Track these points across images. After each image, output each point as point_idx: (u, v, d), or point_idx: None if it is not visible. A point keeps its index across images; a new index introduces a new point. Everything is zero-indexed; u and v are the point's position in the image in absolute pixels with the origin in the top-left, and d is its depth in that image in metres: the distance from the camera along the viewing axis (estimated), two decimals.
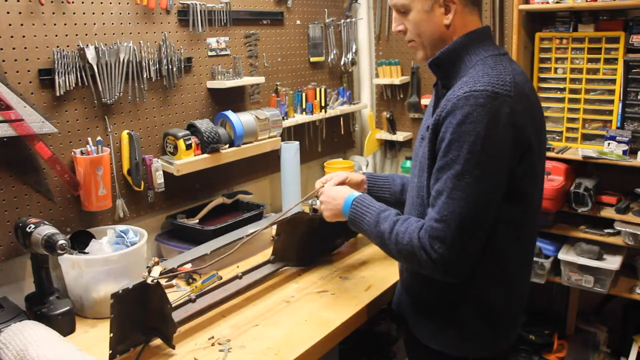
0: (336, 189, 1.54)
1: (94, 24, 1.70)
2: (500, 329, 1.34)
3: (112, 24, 1.75)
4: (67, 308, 1.49)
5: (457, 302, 1.31)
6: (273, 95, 2.37)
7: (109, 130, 1.77)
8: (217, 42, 2.09)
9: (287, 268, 1.85)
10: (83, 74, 1.67)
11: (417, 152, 1.39)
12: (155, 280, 1.34)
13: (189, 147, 1.89)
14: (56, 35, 1.61)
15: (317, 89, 2.51)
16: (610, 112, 2.22)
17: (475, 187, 1.14)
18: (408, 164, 2.71)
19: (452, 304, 1.32)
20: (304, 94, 2.47)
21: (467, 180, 1.14)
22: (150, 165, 1.87)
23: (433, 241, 1.18)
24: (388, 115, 2.81)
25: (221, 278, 1.71)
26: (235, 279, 1.67)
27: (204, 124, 1.96)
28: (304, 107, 2.47)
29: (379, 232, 1.31)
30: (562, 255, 2.21)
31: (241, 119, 2.06)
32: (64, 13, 1.63)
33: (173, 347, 1.38)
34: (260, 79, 2.22)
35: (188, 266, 1.81)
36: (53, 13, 1.60)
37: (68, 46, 1.64)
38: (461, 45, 1.27)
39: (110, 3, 1.74)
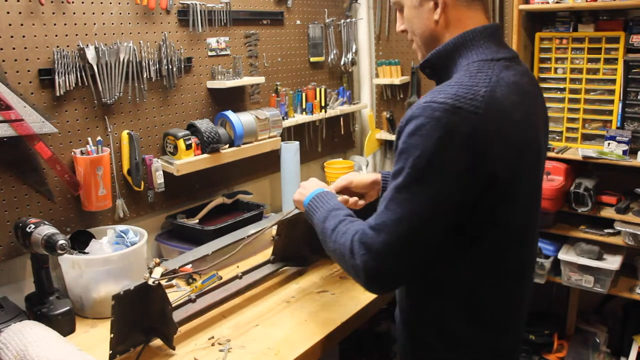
0: (313, 182, 1.48)
1: (94, 24, 1.70)
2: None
3: (112, 24, 1.75)
4: (67, 308, 1.49)
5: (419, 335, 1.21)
6: (273, 95, 2.37)
7: (109, 130, 1.77)
8: (217, 42, 2.09)
9: (287, 268, 1.85)
10: (83, 74, 1.67)
11: None
12: (157, 282, 1.34)
13: (189, 147, 1.89)
14: (56, 35, 1.61)
15: (317, 89, 2.51)
16: (610, 112, 2.22)
17: (411, 204, 1.01)
18: None
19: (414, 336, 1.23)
20: (304, 94, 2.47)
21: (404, 196, 1.02)
22: (150, 165, 1.87)
23: (360, 246, 1.08)
24: (388, 115, 2.81)
25: (221, 278, 1.71)
26: (235, 279, 1.67)
27: (204, 124, 1.96)
28: (304, 107, 2.47)
29: (324, 228, 1.23)
30: (562, 255, 2.21)
31: (241, 119, 2.07)
32: (64, 13, 1.63)
33: (173, 348, 1.38)
34: (260, 79, 2.22)
35: (188, 267, 1.81)
36: (53, 13, 1.60)
37: (68, 46, 1.64)
38: (454, 47, 1.12)
39: (110, 3, 1.74)
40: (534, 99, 1.13)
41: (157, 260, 1.40)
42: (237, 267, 1.85)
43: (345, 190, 1.57)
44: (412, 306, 1.22)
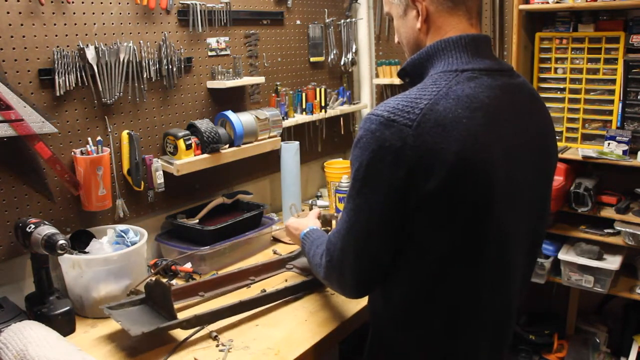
0: (299, 220, 1.58)
1: (94, 24, 1.70)
2: None
3: (112, 24, 1.75)
4: (67, 308, 1.49)
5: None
6: (273, 95, 2.37)
7: (109, 130, 1.77)
8: (217, 42, 2.09)
9: (293, 266, 1.84)
10: (83, 74, 1.67)
11: None
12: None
13: (189, 147, 1.89)
14: (56, 35, 1.61)
15: (317, 89, 2.51)
16: (610, 112, 2.22)
17: (355, 214, 1.04)
18: None
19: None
20: (304, 94, 2.47)
21: (350, 205, 1.04)
22: (150, 165, 1.87)
23: (325, 252, 1.17)
24: None
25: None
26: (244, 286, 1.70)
27: (204, 124, 1.96)
28: (304, 107, 2.47)
29: (310, 255, 1.32)
30: (562, 255, 2.21)
31: (241, 119, 2.07)
32: (64, 13, 1.63)
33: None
34: (260, 79, 2.22)
35: (188, 266, 1.81)
36: (53, 13, 1.60)
37: (68, 46, 1.64)
38: (426, 56, 1.08)
39: (110, 3, 1.74)
40: (503, 112, 1.03)
41: None
42: (253, 279, 1.78)
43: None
44: (373, 304, 1.23)
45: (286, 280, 1.73)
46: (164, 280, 1.74)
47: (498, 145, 1.00)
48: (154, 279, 1.46)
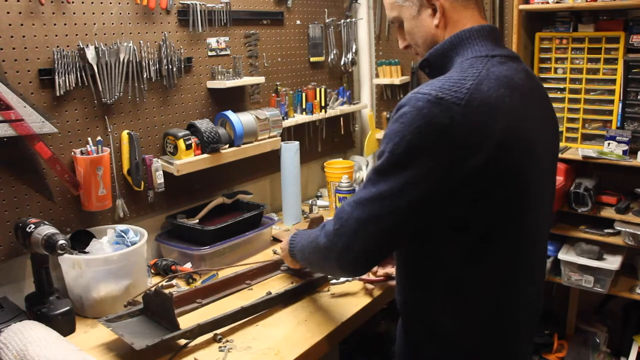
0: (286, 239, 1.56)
1: (94, 24, 1.70)
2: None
3: (112, 24, 1.75)
4: (67, 308, 1.49)
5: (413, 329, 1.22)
6: (273, 95, 2.37)
7: (109, 130, 1.77)
8: (217, 42, 2.09)
9: (287, 268, 1.84)
10: (83, 74, 1.67)
11: None
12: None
13: (189, 147, 1.89)
14: (56, 35, 1.61)
15: (317, 89, 2.51)
16: (610, 112, 2.22)
17: (386, 186, 1.03)
18: None
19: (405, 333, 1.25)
20: (304, 94, 2.47)
21: (380, 177, 1.04)
22: (150, 165, 1.87)
23: (334, 221, 1.15)
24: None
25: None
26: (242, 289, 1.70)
27: (204, 124, 1.96)
28: (304, 107, 2.47)
29: (305, 247, 1.33)
30: (562, 255, 2.22)
31: (241, 119, 2.06)
32: (64, 13, 1.63)
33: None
34: (260, 79, 2.22)
35: (188, 266, 1.81)
36: (53, 13, 1.60)
37: (68, 46, 1.64)
38: (450, 45, 1.14)
39: (110, 3, 1.74)
40: (530, 95, 1.11)
41: None
42: (249, 284, 1.76)
43: None
44: (405, 301, 1.24)
45: (292, 283, 1.72)
46: (164, 282, 1.74)
47: (532, 125, 1.09)
48: (153, 289, 1.45)
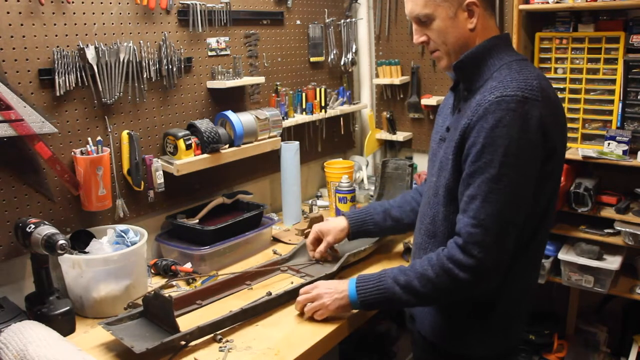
0: (330, 281, 1.53)
1: (94, 24, 1.70)
2: (515, 326, 1.40)
3: (112, 24, 1.75)
4: (67, 308, 1.49)
5: (482, 303, 1.33)
6: (273, 95, 2.37)
7: (109, 130, 1.77)
8: (217, 42, 2.09)
9: (287, 268, 1.84)
10: (83, 74, 1.67)
11: (435, 153, 1.41)
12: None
13: (189, 147, 1.89)
14: (56, 35, 1.61)
15: (317, 89, 2.51)
16: (610, 112, 2.22)
17: (512, 189, 1.16)
18: None
19: (478, 306, 1.34)
20: (304, 94, 2.47)
21: (504, 183, 1.15)
22: (150, 165, 1.87)
23: (472, 247, 1.18)
24: (388, 115, 2.81)
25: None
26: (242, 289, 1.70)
27: (204, 124, 1.96)
28: (304, 107, 2.47)
29: (406, 289, 1.30)
30: (562, 255, 2.21)
31: (241, 119, 2.06)
32: (64, 13, 1.63)
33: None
34: (260, 79, 2.22)
35: (188, 266, 1.81)
36: (53, 13, 1.60)
37: (68, 46, 1.64)
38: (485, 49, 1.28)
39: (110, 3, 1.74)
40: (557, 94, 1.31)
41: None
42: (249, 284, 1.76)
43: (318, 239, 1.79)
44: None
45: (292, 283, 1.72)
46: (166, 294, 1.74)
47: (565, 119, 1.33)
48: (152, 292, 1.44)
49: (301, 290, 1.52)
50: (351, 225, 1.76)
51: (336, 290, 1.44)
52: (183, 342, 1.38)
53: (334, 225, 1.77)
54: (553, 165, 1.24)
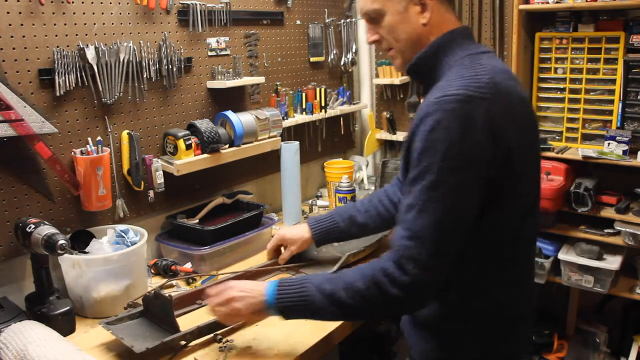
0: (244, 282, 1.35)
1: (94, 24, 1.70)
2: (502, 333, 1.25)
3: (112, 24, 1.75)
4: (67, 308, 1.49)
5: (445, 314, 1.22)
6: (273, 95, 2.37)
7: (109, 130, 1.77)
8: (217, 42, 2.09)
9: (287, 267, 1.84)
10: (83, 74, 1.67)
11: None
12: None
13: (189, 147, 1.89)
14: (56, 35, 1.61)
15: (317, 89, 2.51)
16: (610, 112, 2.22)
17: (452, 197, 1.05)
18: None
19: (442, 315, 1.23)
20: (304, 94, 2.47)
21: (441, 191, 1.04)
22: (150, 165, 1.87)
23: (406, 262, 1.06)
24: (388, 115, 2.81)
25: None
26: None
27: (204, 124, 1.96)
28: (304, 107, 2.47)
29: (328, 299, 1.15)
30: (562, 255, 2.21)
31: (241, 119, 2.06)
32: (64, 13, 1.63)
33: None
34: (260, 79, 2.22)
35: (188, 266, 1.81)
36: (53, 13, 1.60)
37: (68, 46, 1.64)
38: (439, 47, 1.18)
39: (110, 3, 1.74)
40: (520, 83, 1.21)
41: None
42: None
43: (279, 247, 1.77)
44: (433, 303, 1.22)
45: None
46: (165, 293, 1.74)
47: (531, 110, 1.22)
48: (152, 291, 1.44)
49: (209, 291, 1.34)
50: (314, 236, 1.71)
51: (251, 294, 1.26)
52: (183, 342, 1.38)
53: (300, 235, 1.72)
54: (511, 165, 1.09)
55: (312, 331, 1.46)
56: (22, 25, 1.54)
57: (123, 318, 1.45)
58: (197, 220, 1.99)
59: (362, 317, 1.25)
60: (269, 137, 2.19)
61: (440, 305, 1.21)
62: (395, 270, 1.07)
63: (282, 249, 1.80)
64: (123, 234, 1.68)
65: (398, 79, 2.70)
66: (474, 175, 1.06)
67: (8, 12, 1.51)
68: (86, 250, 1.60)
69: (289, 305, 1.20)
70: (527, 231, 1.20)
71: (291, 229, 1.78)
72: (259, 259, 1.94)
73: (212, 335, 1.43)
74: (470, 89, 1.05)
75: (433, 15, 1.18)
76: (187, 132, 1.91)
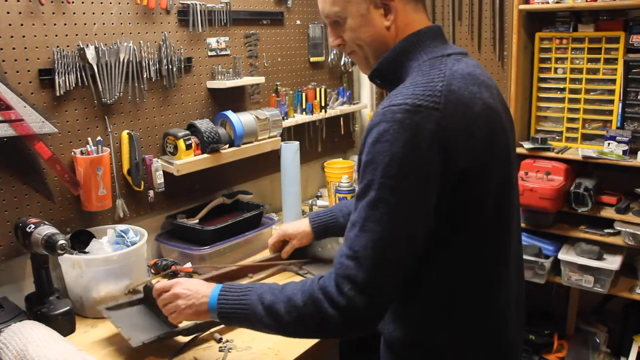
0: (193, 281, 1.27)
1: (94, 24, 1.70)
2: None
3: (112, 24, 1.75)
4: (67, 308, 1.49)
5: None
6: (273, 95, 2.37)
7: (109, 130, 1.77)
8: (217, 42, 2.09)
9: (287, 267, 1.84)
10: (83, 74, 1.67)
11: None
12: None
13: (189, 147, 1.89)
14: (56, 35, 1.61)
15: (317, 89, 2.51)
16: (610, 112, 2.22)
17: (392, 217, 0.95)
18: None
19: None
20: (304, 94, 2.47)
21: (381, 210, 0.94)
22: (150, 165, 1.87)
23: (343, 282, 0.97)
24: None
25: None
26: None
27: (204, 124, 1.96)
28: (304, 107, 2.47)
29: (266, 310, 1.07)
30: (562, 255, 2.21)
31: (241, 119, 2.06)
32: (64, 13, 1.63)
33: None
34: (260, 79, 2.22)
35: (188, 266, 1.81)
36: (53, 13, 1.60)
37: (68, 46, 1.64)
38: (402, 51, 1.09)
39: (110, 3, 1.74)
40: (492, 87, 1.09)
41: None
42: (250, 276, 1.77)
43: (282, 242, 1.76)
44: (394, 320, 1.14)
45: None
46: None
47: (503, 116, 1.08)
48: (153, 281, 1.45)
49: (158, 287, 1.30)
50: (314, 229, 1.71)
51: (195, 294, 1.20)
52: (183, 342, 1.38)
53: (302, 229, 1.73)
54: (471, 187, 0.99)
55: None
56: (22, 25, 1.54)
57: (123, 304, 1.46)
58: (197, 220, 1.99)
59: (299, 335, 1.14)
60: (269, 137, 2.19)
61: (406, 328, 1.12)
62: (333, 289, 0.99)
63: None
64: (123, 234, 1.69)
65: None
66: (417, 195, 0.96)
67: (8, 12, 1.51)
68: (86, 250, 1.60)
69: (229, 312, 1.13)
70: (502, 254, 1.10)
71: (292, 223, 1.79)
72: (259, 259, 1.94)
73: (211, 334, 1.43)
74: (421, 99, 0.95)
75: (398, 17, 1.09)
76: (187, 132, 1.91)
